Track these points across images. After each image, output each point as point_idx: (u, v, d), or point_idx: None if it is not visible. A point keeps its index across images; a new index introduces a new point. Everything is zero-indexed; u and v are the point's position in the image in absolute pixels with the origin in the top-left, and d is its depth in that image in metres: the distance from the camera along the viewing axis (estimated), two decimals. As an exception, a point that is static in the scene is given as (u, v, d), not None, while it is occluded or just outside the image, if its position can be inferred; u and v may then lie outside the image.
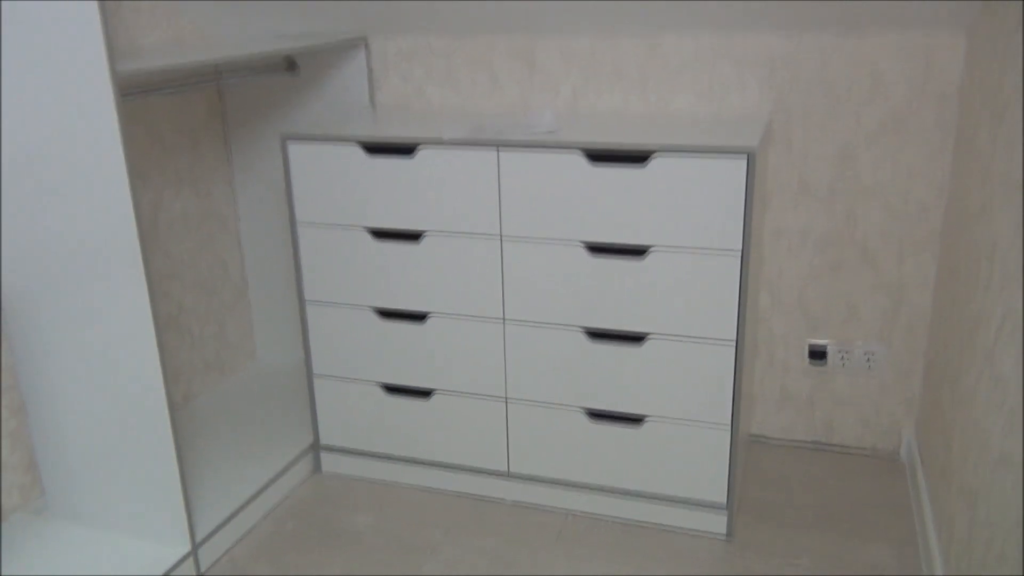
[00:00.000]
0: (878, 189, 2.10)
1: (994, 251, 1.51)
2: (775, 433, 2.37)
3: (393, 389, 2.16)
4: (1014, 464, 1.27)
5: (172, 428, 1.77)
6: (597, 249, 1.89)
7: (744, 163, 1.72)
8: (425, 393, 2.13)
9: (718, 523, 1.98)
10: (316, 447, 2.28)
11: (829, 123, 2.08)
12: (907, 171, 2.07)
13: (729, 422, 1.90)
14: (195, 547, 1.89)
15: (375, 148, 1.98)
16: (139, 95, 1.89)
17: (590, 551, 1.95)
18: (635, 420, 1.98)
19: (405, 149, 1.95)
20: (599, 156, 1.83)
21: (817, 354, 2.25)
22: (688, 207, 1.79)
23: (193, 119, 2.45)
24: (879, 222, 2.12)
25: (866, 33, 2.00)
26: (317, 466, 2.29)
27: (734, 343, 1.84)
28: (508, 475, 2.12)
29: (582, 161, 1.83)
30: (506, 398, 2.05)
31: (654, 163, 1.78)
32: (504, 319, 1.99)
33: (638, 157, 1.81)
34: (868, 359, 2.22)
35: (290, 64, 2.41)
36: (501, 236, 1.94)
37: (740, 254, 1.78)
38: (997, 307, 1.45)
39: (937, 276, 2.11)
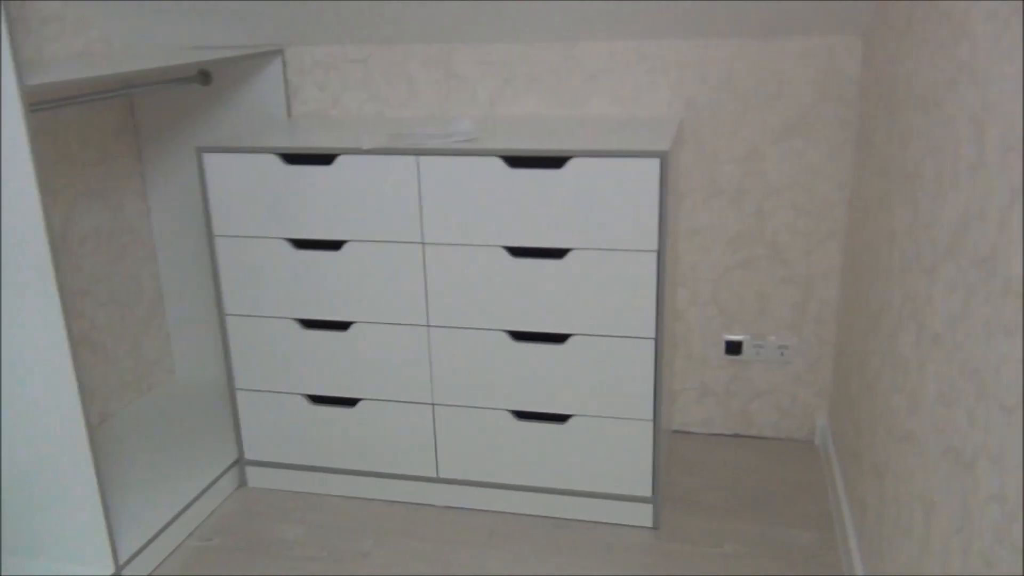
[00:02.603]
0: (785, 187, 2.19)
1: (893, 239, 1.59)
2: (696, 426, 2.44)
3: (318, 399, 2.15)
4: (916, 441, 1.35)
5: (90, 448, 1.73)
6: (518, 252, 1.92)
7: (657, 165, 1.78)
8: (351, 402, 2.13)
9: (644, 515, 2.03)
10: (241, 461, 2.25)
11: (737, 124, 2.17)
12: (812, 169, 2.16)
13: (651, 417, 1.95)
14: (119, 569, 1.84)
15: (293, 158, 1.97)
16: (48, 108, 1.84)
17: (521, 549, 1.98)
18: (560, 419, 2.01)
19: (324, 158, 1.95)
20: (517, 161, 1.87)
21: (733, 347, 2.33)
22: (605, 208, 1.83)
23: (104, 132, 2.39)
24: (787, 219, 2.21)
25: (769, 38, 2.08)
26: (243, 480, 2.26)
27: (653, 339, 1.89)
28: (437, 479, 2.13)
29: (501, 166, 1.86)
30: (433, 403, 2.07)
31: (571, 166, 1.82)
32: (428, 325, 2.01)
33: (555, 161, 1.85)
34: (781, 351, 2.30)
35: (204, 76, 2.38)
36: (423, 242, 1.95)
37: (656, 253, 1.83)
38: (897, 292, 1.54)
39: (843, 268, 2.21)
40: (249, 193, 2.01)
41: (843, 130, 2.12)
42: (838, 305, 2.25)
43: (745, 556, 1.93)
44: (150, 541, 1.94)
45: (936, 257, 1.28)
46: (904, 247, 1.50)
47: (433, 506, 2.15)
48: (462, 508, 2.14)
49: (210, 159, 2.00)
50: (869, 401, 1.75)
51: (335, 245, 2.01)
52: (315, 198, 1.97)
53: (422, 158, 1.89)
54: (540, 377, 1.98)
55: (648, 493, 2.01)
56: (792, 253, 2.23)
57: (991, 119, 1.06)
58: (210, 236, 2.06)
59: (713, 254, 2.28)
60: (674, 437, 2.43)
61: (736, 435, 2.42)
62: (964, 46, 1.18)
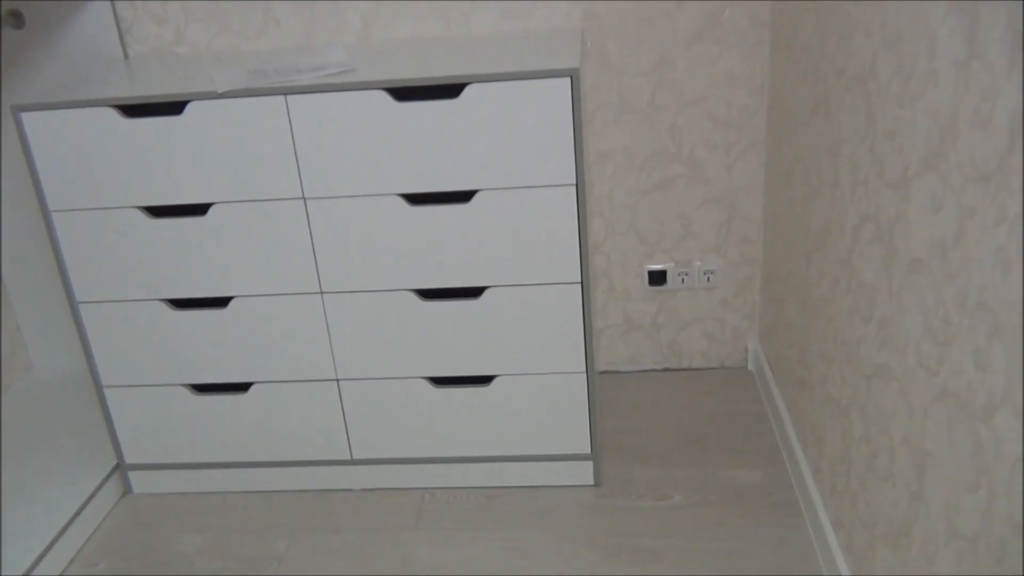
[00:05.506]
0: (699, 98, 1.99)
1: (839, 150, 1.42)
2: (624, 364, 2.28)
3: (203, 388, 1.87)
4: (894, 379, 1.20)
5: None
6: (417, 199, 1.67)
7: (568, 85, 1.54)
8: (242, 387, 1.86)
9: (584, 473, 1.86)
10: (122, 467, 1.95)
11: (643, 33, 1.94)
12: (727, 76, 1.97)
13: (584, 367, 1.76)
14: (-17, 620, 1.56)
15: (133, 109, 1.64)
16: None
17: (454, 526, 1.78)
18: (483, 380, 1.80)
19: (171, 107, 1.63)
20: (405, 93, 1.60)
21: (657, 277, 2.16)
22: (512, 141, 1.59)
23: None
24: (704, 133, 2.02)
25: (671, -70, 1.85)
26: (127, 488, 1.97)
27: (579, 283, 1.69)
28: (352, 462, 1.90)
29: (386, 99, 1.58)
30: (336, 378, 1.82)
31: (468, 94, 1.57)
32: (321, 291, 1.74)
33: (449, 90, 1.59)
34: (707, 276, 2.15)
35: (15, 17, 1.98)
36: (304, 197, 1.67)
37: (575, 187, 1.62)
38: (850, 210, 1.37)
39: (765, 182, 2.05)
40: (86, 156, 1.67)
41: (756, 30, 1.93)
42: (763, 222, 2.10)
43: (697, 505, 1.79)
44: (20, 577, 1.65)
45: (908, 170, 1.11)
46: (856, 158, 1.32)
47: (350, 491, 1.93)
48: (384, 489, 1.92)
49: (31, 119, 1.65)
50: (817, 327, 1.60)
51: (200, 209, 1.71)
52: (168, 155, 1.66)
53: (291, 97, 1.60)
54: (456, 337, 1.76)
55: (587, 449, 1.84)
56: (712, 170, 2.05)
57: None
58: (45, 212, 1.73)
59: (628, 178, 2.08)
60: (601, 379, 2.26)
61: (666, 369, 2.27)
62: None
